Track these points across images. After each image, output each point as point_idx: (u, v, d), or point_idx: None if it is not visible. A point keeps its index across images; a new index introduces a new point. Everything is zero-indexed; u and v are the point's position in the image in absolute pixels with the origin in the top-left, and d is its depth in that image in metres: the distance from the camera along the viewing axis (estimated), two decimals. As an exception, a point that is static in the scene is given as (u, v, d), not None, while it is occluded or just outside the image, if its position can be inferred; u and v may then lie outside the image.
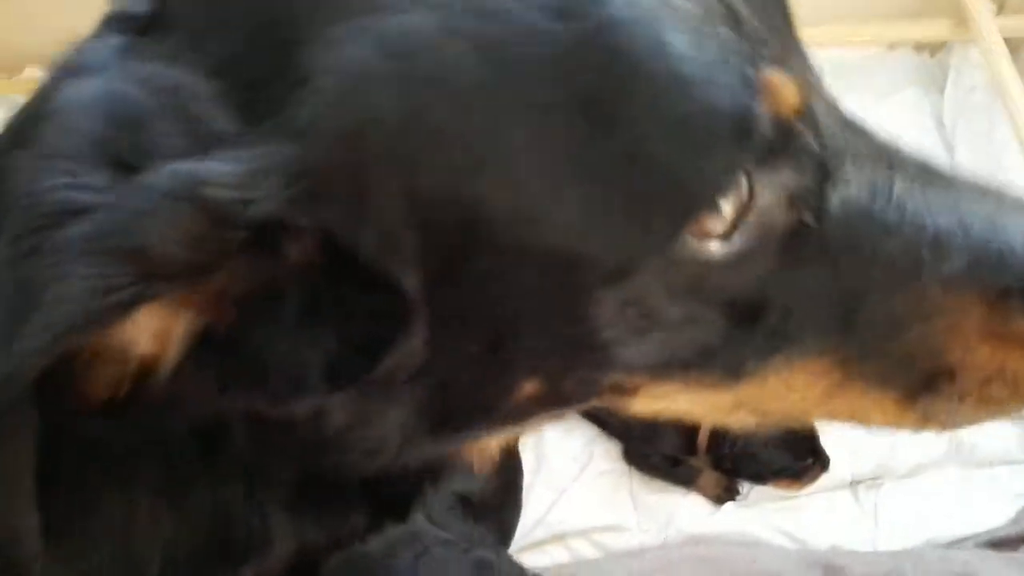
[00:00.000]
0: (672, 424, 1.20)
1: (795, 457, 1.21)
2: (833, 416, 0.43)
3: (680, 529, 1.23)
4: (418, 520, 1.03)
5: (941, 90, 1.63)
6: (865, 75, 1.62)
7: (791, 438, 1.20)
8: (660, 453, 1.27)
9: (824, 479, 1.24)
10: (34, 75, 0.71)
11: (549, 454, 1.30)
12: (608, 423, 1.30)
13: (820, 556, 1.13)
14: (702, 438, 1.22)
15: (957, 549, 1.20)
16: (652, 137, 0.31)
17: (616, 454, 1.31)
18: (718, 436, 1.21)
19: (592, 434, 1.32)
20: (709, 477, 1.27)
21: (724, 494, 1.27)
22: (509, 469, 1.22)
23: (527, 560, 1.18)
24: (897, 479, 1.29)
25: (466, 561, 0.99)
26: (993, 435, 1.31)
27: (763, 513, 1.25)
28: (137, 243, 0.28)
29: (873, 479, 1.29)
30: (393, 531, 0.90)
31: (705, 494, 1.27)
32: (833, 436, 1.26)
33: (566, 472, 1.29)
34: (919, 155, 0.41)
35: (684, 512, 1.25)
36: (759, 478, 1.24)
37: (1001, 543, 1.23)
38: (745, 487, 1.28)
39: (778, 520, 1.25)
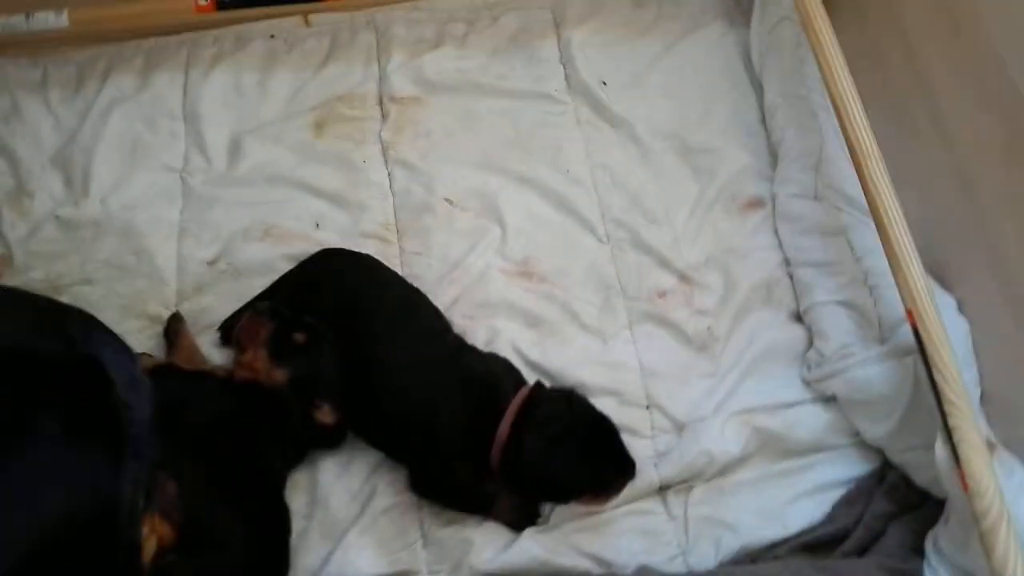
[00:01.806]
0: (462, 444, 1.16)
1: (597, 468, 1.15)
2: None
3: (474, 567, 1.17)
4: None
5: (747, 23, 1.61)
6: (672, 5, 1.63)
7: (590, 447, 1.14)
8: (452, 478, 1.19)
9: (631, 485, 1.19)
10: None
11: (324, 495, 1.22)
12: (394, 446, 1.21)
13: None
14: (495, 454, 1.15)
15: (770, 561, 1.20)
16: None
17: (403, 483, 1.23)
18: (512, 452, 1.14)
19: (375, 462, 1.24)
20: (505, 501, 1.21)
21: (523, 519, 1.21)
22: (272, 527, 1.16)
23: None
24: (707, 480, 1.27)
25: None
26: (798, 422, 1.31)
27: (565, 535, 1.21)
28: None
29: (683, 482, 1.27)
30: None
31: (502, 520, 1.21)
32: (640, 442, 1.27)
33: (345, 514, 1.21)
34: None
35: (479, 545, 1.19)
36: (561, 497, 1.17)
37: (817, 546, 1.23)
38: (546, 508, 1.22)
39: (581, 542, 1.21)
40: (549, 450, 1.13)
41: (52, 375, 0.75)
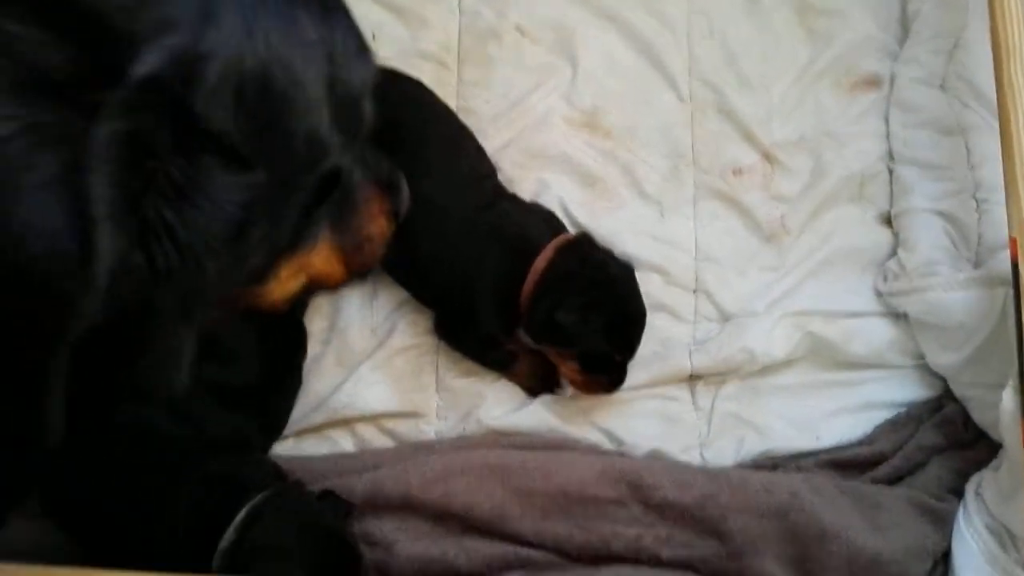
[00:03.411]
0: (491, 293, 1.11)
1: (608, 343, 1.09)
2: None
3: (482, 421, 1.14)
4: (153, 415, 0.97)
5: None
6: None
7: (618, 324, 1.09)
8: (477, 329, 1.14)
9: (662, 368, 1.16)
10: None
11: (344, 324, 1.18)
12: (423, 288, 1.16)
13: (629, 470, 1.08)
14: (526, 292, 1.09)
15: (791, 471, 1.14)
16: None
17: (424, 327, 1.19)
18: (544, 292, 1.09)
19: (399, 300, 1.20)
20: (526, 365, 1.16)
21: (540, 386, 1.17)
22: (283, 345, 1.13)
23: (306, 447, 1.13)
24: (743, 378, 1.19)
25: (189, 474, 0.92)
26: (859, 334, 1.20)
27: (580, 408, 1.16)
28: None
29: (716, 375, 1.19)
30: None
31: (520, 383, 1.17)
32: (679, 326, 1.21)
33: (362, 346, 1.17)
34: None
35: (492, 401, 1.15)
36: (559, 341, 1.10)
37: (847, 465, 1.16)
38: (566, 382, 1.17)
39: (596, 416, 1.16)
40: (573, 294, 1.07)
41: None
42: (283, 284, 0.55)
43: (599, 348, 1.09)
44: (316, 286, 0.63)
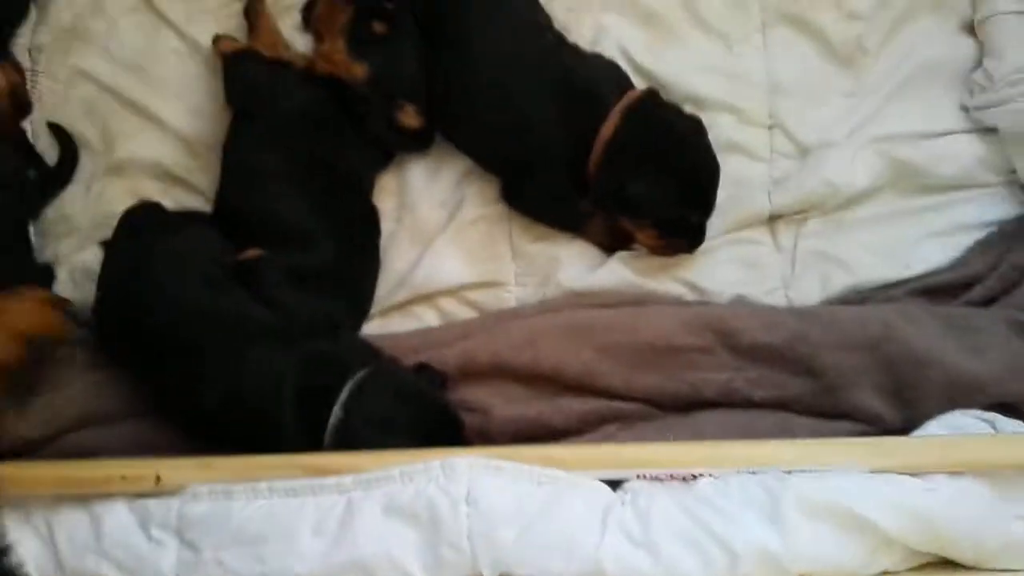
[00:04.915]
0: (557, 151, 1.08)
1: (682, 204, 1.08)
2: None
3: (561, 283, 1.12)
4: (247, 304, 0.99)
5: None
6: None
7: (691, 186, 1.08)
8: (544, 190, 1.12)
9: (739, 211, 1.13)
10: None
11: (413, 201, 1.16)
12: (487, 151, 1.13)
13: (713, 317, 1.07)
14: (594, 158, 1.06)
15: (881, 303, 1.11)
16: None
17: (492, 195, 1.16)
18: (611, 162, 1.07)
19: (463, 170, 1.17)
20: (599, 222, 1.14)
21: (615, 242, 1.14)
22: (361, 226, 1.12)
23: (392, 325, 1.13)
24: (825, 213, 1.16)
25: (290, 358, 0.94)
26: (946, 154, 1.15)
27: (659, 260, 1.14)
28: None
29: (797, 213, 1.16)
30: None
31: (593, 241, 1.15)
32: (754, 165, 1.16)
33: (434, 221, 1.16)
34: None
35: (568, 262, 1.13)
36: (632, 213, 1.09)
37: (938, 291, 1.13)
38: None
39: (676, 268, 1.14)
40: (642, 162, 1.05)
41: None
42: None
43: (675, 214, 1.07)
44: None
